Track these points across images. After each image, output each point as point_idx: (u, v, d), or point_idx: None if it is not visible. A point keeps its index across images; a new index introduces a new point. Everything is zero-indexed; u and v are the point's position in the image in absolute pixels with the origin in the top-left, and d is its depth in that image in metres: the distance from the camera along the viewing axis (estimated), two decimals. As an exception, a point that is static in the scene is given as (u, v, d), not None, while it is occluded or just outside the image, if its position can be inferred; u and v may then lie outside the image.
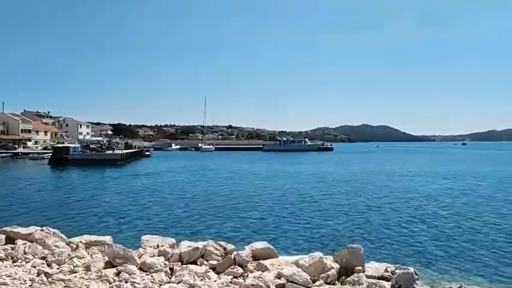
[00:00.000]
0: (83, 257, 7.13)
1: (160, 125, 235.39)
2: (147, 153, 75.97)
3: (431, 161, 62.41)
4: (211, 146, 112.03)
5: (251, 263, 7.18)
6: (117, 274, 6.23)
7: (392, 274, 6.54)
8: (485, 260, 10.40)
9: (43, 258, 6.96)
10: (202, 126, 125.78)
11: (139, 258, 7.01)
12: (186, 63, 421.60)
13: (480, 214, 16.79)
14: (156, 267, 6.59)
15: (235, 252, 7.45)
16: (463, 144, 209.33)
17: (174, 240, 8.38)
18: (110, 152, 57.07)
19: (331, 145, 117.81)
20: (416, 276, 6.20)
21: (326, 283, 6.38)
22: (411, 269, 6.21)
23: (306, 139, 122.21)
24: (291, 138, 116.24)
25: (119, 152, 56.96)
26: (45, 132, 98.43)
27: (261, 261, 7.22)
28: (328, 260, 7.18)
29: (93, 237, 8.39)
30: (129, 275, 6.13)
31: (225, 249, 7.78)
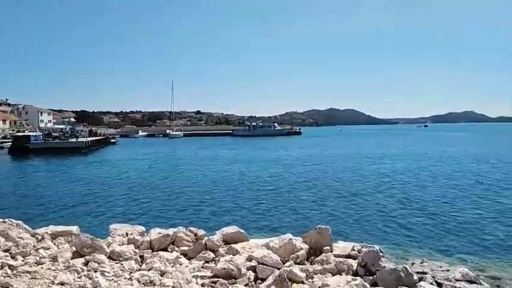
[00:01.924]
0: (49, 248, 6.94)
1: (126, 112, 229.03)
2: (112, 140, 73.91)
3: (394, 142, 64.55)
4: (180, 132, 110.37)
5: (222, 247, 7.25)
6: (86, 264, 6.13)
7: (358, 252, 6.81)
8: (443, 236, 10.98)
9: (6, 250, 6.72)
10: (170, 112, 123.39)
11: (108, 247, 6.91)
12: (151, 48, 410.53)
13: (437, 194, 17.61)
14: (126, 256, 6.53)
15: (206, 238, 7.50)
16: (425, 126, 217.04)
17: (143, 228, 8.31)
18: (74, 140, 55.09)
19: (299, 129, 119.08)
20: (381, 254, 6.48)
21: (296, 263, 6.55)
22: (376, 247, 6.48)
23: (275, 124, 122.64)
24: (260, 123, 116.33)
25: (83, 139, 55.12)
26: (4, 120, 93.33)
27: (232, 245, 7.30)
28: (298, 241, 7.36)
29: (59, 228, 8.17)
30: (98, 264, 6.05)
31: (196, 234, 7.81)
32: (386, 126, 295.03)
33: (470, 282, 5.97)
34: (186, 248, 7.25)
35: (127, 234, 7.83)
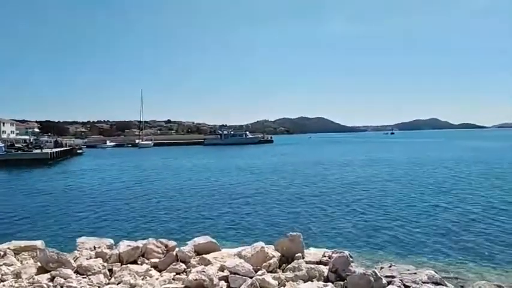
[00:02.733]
0: (12, 264, 6.64)
1: (93, 121, 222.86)
2: (79, 151, 71.73)
3: (361, 149, 66.12)
4: (150, 142, 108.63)
5: (194, 258, 7.16)
6: (52, 279, 5.90)
7: (329, 258, 6.90)
8: (410, 240, 11.31)
9: (-36, 269, 6.37)
10: (139, 122, 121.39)
11: (75, 261, 6.69)
12: (121, 56, 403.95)
13: (404, 198, 18.14)
14: (94, 270, 6.34)
15: (177, 249, 7.39)
16: (392, 133, 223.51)
17: (112, 241, 8.10)
18: (38, 151, 53.04)
19: (271, 137, 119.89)
20: (351, 259, 6.60)
21: (268, 271, 6.56)
22: (346, 253, 6.60)
23: (247, 132, 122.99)
24: (232, 132, 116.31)
25: (48, 150, 53.17)
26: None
27: (203, 255, 7.23)
28: (270, 249, 7.38)
29: (23, 243, 7.83)
30: (65, 279, 5.84)
31: (166, 246, 7.68)
32: (354, 133, 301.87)
33: (436, 284, 6.17)
34: (156, 260, 7.11)
35: (95, 247, 7.60)
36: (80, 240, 8.05)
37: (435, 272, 6.69)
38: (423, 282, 6.08)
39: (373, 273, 5.77)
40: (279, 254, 7.27)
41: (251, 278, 5.98)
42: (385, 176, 27.22)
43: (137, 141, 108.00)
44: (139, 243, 7.61)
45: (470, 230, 12.01)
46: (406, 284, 6.09)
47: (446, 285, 6.27)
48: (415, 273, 6.47)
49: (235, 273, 6.08)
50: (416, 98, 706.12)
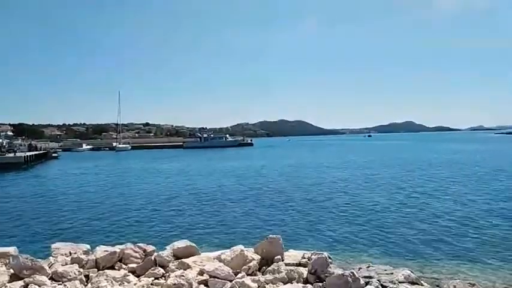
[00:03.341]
0: (-18, 273, 6.40)
1: (69, 124, 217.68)
2: (54, 155, 69.99)
3: (339, 152, 67.02)
4: (128, 145, 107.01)
5: (173, 262, 7.08)
6: (25, 287, 5.72)
7: (308, 260, 6.95)
8: (387, 240, 11.52)
9: None
10: (117, 124, 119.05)
11: (50, 267, 6.50)
12: (98, 57, 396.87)
13: (380, 200, 18.48)
14: (70, 276, 6.18)
15: (155, 253, 7.29)
16: (369, 136, 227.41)
17: (88, 246, 7.91)
18: (11, 155, 51.48)
19: (251, 140, 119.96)
20: (330, 260, 6.66)
21: (248, 274, 6.55)
22: (325, 254, 6.66)
23: (227, 135, 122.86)
24: (212, 135, 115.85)
25: (22, 154, 51.67)
26: None
27: (182, 259, 7.15)
28: (250, 252, 7.38)
29: (-6, 250, 7.56)
30: (39, 286, 5.67)
31: (144, 251, 7.56)
32: (333, 136, 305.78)
33: (412, 283, 6.31)
34: (134, 265, 6.99)
35: (70, 253, 7.41)
36: (54, 246, 7.83)
37: (411, 271, 6.84)
38: (400, 282, 6.21)
39: (351, 274, 5.85)
40: (259, 257, 7.28)
41: (231, 281, 5.97)
42: (361, 178, 27.68)
43: (114, 144, 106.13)
44: (117, 248, 7.47)
45: (444, 230, 12.32)
46: (384, 284, 6.20)
47: (422, 285, 6.41)
48: (392, 273, 6.60)
49: (214, 277, 6.05)
50: (393, 102, 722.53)
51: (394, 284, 6.15)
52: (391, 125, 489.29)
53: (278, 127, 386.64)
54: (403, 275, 6.46)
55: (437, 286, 7.01)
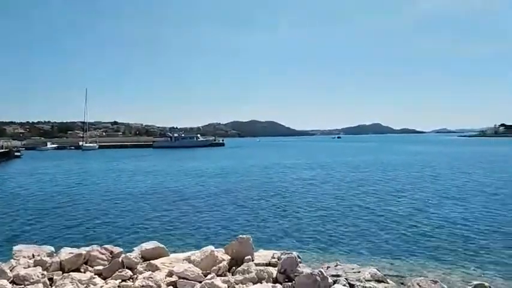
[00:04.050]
0: None
1: (33, 122, 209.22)
2: (16, 153, 66.93)
3: (309, 152, 68.02)
4: (95, 144, 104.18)
5: (141, 264, 6.96)
6: (-17, 292, 5.47)
7: (278, 260, 7.01)
8: (354, 239, 11.79)
9: None
10: (83, 123, 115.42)
11: (11, 271, 6.24)
12: (64, 53, 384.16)
13: (348, 200, 18.89)
14: (32, 279, 5.95)
15: (123, 255, 7.14)
16: (339, 137, 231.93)
17: (52, 248, 7.66)
18: (-31, 153, 48.99)
19: (222, 140, 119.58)
20: (299, 260, 6.75)
21: (218, 275, 6.53)
22: (294, 253, 6.74)
23: (198, 135, 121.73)
24: (183, 134, 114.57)
25: (-20, 153, 49.26)
26: None
27: (151, 261, 7.05)
28: (220, 253, 7.36)
29: (-51, 254, 7.17)
30: (-2, 291, 5.43)
31: (111, 252, 7.40)
32: (303, 137, 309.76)
33: (379, 281, 6.49)
34: (100, 267, 6.82)
35: (33, 255, 7.15)
36: (16, 248, 7.51)
37: (377, 270, 7.03)
38: (366, 280, 6.37)
39: (320, 273, 5.94)
40: (229, 258, 7.28)
41: (200, 282, 5.93)
42: (326, 178, 28.22)
43: (81, 143, 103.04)
44: (82, 250, 7.27)
45: (407, 230, 12.73)
46: (351, 282, 6.34)
47: (387, 282, 6.60)
48: (359, 272, 6.76)
49: (183, 278, 5.99)
50: (361, 104, 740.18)
51: (361, 282, 6.30)
52: (360, 127, 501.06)
53: (249, 127, 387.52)
54: (369, 273, 6.63)
55: (402, 284, 7.23)
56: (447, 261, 9.48)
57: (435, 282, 6.37)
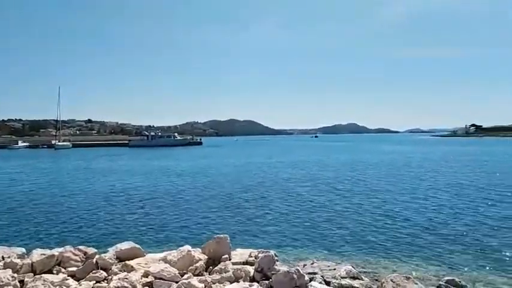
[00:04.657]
0: None
1: (3, 120, 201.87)
2: (-15, 152, 64.75)
3: (287, 151, 68.49)
4: (68, 143, 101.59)
5: (116, 265, 6.85)
6: None
7: (255, 258, 7.05)
8: (329, 236, 11.96)
9: None
10: (56, 121, 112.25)
11: (-22, 274, 6.03)
12: (37, 49, 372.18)
13: (323, 198, 19.14)
14: (2, 282, 5.77)
15: (97, 256, 7.02)
16: (316, 137, 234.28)
17: (23, 250, 7.46)
18: None
19: (200, 139, 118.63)
20: (276, 258, 6.80)
21: (194, 275, 6.51)
22: (271, 252, 6.79)
23: (175, 134, 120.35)
24: (159, 133, 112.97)
25: None
26: None
27: (126, 261, 6.95)
28: (197, 252, 7.34)
29: None
30: (-35, 295, 5.24)
31: (85, 253, 7.25)
32: (281, 136, 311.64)
33: (354, 278, 6.62)
34: (74, 269, 6.68)
35: (3, 257, 6.93)
36: (-16, 250, 7.28)
37: (353, 267, 7.17)
38: (342, 277, 6.49)
39: (297, 271, 6.01)
40: (206, 257, 7.26)
41: (177, 282, 5.90)
42: (304, 176, 28.50)
43: (54, 142, 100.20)
44: (55, 251, 7.10)
45: (383, 227, 13.01)
46: (327, 279, 6.44)
47: (362, 279, 6.74)
48: (334, 269, 6.88)
49: (160, 279, 5.95)
50: (338, 105, 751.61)
51: (337, 279, 6.41)
52: (336, 127, 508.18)
53: (228, 126, 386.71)
54: (345, 270, 6.75)
55: (376, 280, 7.39)
56: (420, 257, 9.74)
57: (408, 278, 6.55)
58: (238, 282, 6.14)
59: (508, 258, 9.52)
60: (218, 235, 7.43)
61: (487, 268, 8.90)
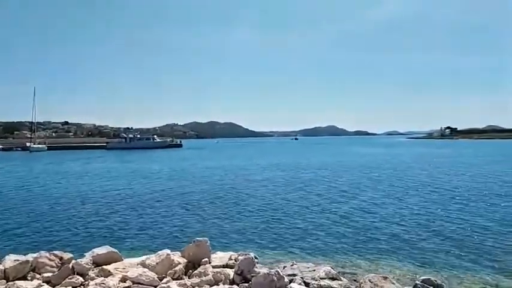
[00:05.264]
0: None
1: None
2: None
3: (267, 154, 68.72)
4: (43, 145, 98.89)
5: (93, 270, 6.71)
6: None
7: (235, 261, 7.03)
8: (309, 238, 12.05)
9: None
10: (31, 123, 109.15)
11: None
12: (10, 50, 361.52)
13: (301, 200, 19.29)
14: (-29, 290, 5.58)
15: (73, 261, 6.86)
16: (296, 139, 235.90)
17: (-5, 256, 7.20)
18: None
19: (180, 142, 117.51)
20: (256, 260, 6.81)
21: (174, 279, 6.45)
22: (251, 254, 6.79)
23: (155, 136, 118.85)
24: (138, 135, 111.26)
25: None
26: None
27: (103, 266, 6.82)
28: (176, 256, 7.27)
29: None
30: None
31: (61, 258, 7.08)
32: (261, 138, 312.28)
33: (333, 279, 6.69)
34: (49, 275, 6.51)
35: (-27, 265, 6.68)
36: (-46, 258, 7.00)
37: (332, 268, 7.24)
38: (321, 278, 6.55)
39: (276, 273, 6.03)
40: (186, 261, 7.20)
41: (155, 287, 5.83)
42: (283, 178, 28.72)
43: (28, 144, 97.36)
44: (29, 256, 6.90)
45: (361, 228, 13.21)
46: (306, 280, 6.49)
47: (341, 280, 6.82)
48: (314, 270, 6.93)
49: (138, 283, 5.86)
50: (318, 108, 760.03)
51: (316, 280, 6.47)
52: (316, 129, 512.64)
53: (208, 129, 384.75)
54: (324, 271, 6.81)
55: (355, 280, 7.50)
56: (396, 257, 9.94)
57: (385, 278, 6.67)
58: (218, 285, 6.12)
59: (481, 257, 9.82)
60: (198, 238, 7.39)
61: (462, 267, 9.16)
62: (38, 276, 6.52)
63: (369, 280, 6.52)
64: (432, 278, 7.05)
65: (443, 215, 15.06)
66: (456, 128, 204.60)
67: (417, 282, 6.99)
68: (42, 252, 7.20)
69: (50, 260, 6.90)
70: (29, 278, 6.41)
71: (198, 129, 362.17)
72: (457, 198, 18.82)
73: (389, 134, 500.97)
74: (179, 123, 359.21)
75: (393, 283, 6.49)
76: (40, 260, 6.81)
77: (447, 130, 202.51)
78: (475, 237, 11.76)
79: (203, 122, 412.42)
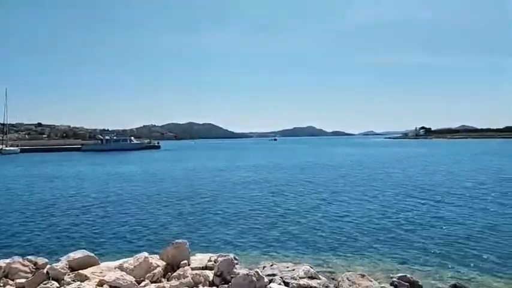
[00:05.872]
0: None
1: None
2: None
3: (243, 155, 68.82)
4: (16, 148, 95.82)
5: (68, 274, 6.57)
6: None
7: (215, 262, 7.02)
8: (288, 238, 12.15)
9: None
10: (3, 125, 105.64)
11: None
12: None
13: (279, 200, 19.43)
14: None
15: (48, 266, 6.70)
16: (275, 140, 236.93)
17: (-35, 263, 6.94)
18: None
19: (158, 143, 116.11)
20: (236, 261, 6.82)
21: (152, 282, 6.38)
22: (231, 255, 6.80)
23: (132, 137, 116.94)
24: (115, 137, 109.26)
25: None
26: None
27: (80, 271, 6.68)
28: (154, 259, 7.20)
29: None
30: None
31: (35, 264, 6.90)
32: (240, 139, 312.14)
33: (312, 278, 6.77)
34: (23, 280, 6.33)
35: None
36: None
37: (311, 267, 7.33)
38: (300, 278, 6.61)
39: (256, 273, 6.06)
40: (164, 263, 7.14)
41: (134, 290, 5.75)
42: (260, 179, 28.88)
43: (0, 146, 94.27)
44: (2, 262, 6.70)
45: (338, 227, 13.40)
46: (286, 280, 6.54)
47: (320, 278, 6.91)
48: (293, 270, 7.00)
49: (115, 287, 5.77)
50: (297, 109, 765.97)
51: (295, 279, 6.53)
52: (295, 130, 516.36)
53: (186, 130, 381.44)
54: (303, 270, 6.88)
55: (333, 279, 7.61)
56: (373, 255, 10.13)
57: (363, 276, 6.80)
58: (198, 287, 6.09)
59: (454, 254, 10.13)
60: (177, 241, 7.33)
61: (436, 263, 9.42)
62: (11, 282, 6.33)
63: (347, 278, 6.63)
64: (408, 275, 7.24)
65: (417, 213, 15.48)
66: (430, 128, 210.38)
67: (394, 279, 7.16)
68: (15, 257, 7.01)
69: (23, 265, 6.72)
70: (2, 284, 6.23)
71: (176, 130, 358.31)
72: (430, 197, 19.34)
73: (366, 134, 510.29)
74: (157, 124, 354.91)
75: (370, 280, 6.62)
76: (13, 265, 6.62)
77: (422, 130, 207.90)
78: (448, 235, 12.12)
79: (181, 123, 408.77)
